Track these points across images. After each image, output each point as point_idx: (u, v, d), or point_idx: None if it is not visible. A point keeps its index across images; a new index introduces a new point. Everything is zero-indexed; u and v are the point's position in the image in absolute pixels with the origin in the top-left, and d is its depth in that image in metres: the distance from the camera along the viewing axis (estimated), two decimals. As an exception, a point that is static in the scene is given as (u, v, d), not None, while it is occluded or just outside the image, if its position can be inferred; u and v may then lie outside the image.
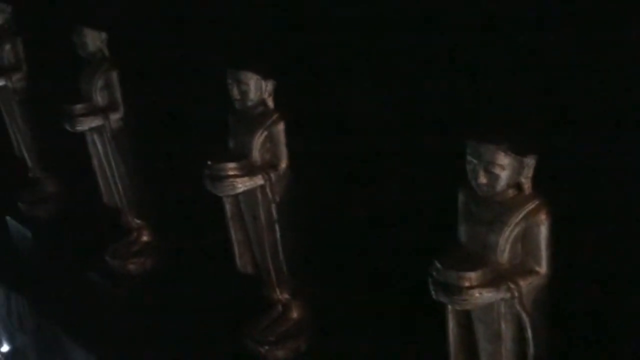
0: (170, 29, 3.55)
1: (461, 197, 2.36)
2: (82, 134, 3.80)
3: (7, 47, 4.37)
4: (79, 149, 3.92)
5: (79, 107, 3.70)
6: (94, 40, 3.70)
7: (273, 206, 3.06)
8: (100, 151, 3.84)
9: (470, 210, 2.32)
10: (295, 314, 3.29)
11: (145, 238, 4.00)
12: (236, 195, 3.05)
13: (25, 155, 4.63)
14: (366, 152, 2.98)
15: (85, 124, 3.70)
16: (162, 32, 3.60)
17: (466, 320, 2.40)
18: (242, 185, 2.96)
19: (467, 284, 2.21)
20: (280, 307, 3.28)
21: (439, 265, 2.25)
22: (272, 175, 3.01)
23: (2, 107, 4.54)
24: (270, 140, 3.01)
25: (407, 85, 2.75)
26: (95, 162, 3.91)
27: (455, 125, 2.53)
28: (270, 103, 3.00)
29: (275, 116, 3.00)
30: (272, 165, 3.03)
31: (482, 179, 2.23)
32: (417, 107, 2.74)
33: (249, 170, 2.98)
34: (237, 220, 3.16)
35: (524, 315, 2.30)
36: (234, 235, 3.20)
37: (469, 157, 2.24)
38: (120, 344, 3.73)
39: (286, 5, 3.04)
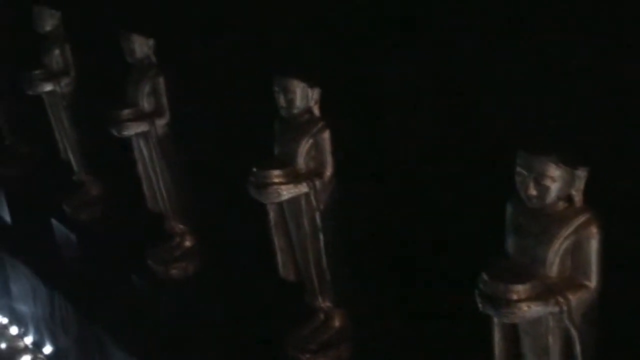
0: (217, 35, 3.57)
1: (509, 209, 2.32)
2: (127, 139, 3.83)
3: (56, 52, 4.42)
4: (124, 153, 3.95)
5: (125, 113, 3.73)
6: (141, 46, 3.73)
7: (317, 214, 3.04)
8: (145, 156, 3.86)
9: (518, 222, 2.29)
10: (337, 323, 3.27)
11: (187, 243, 4.01)
12: (280, 203, 3.05)
13: (71, 158, 4.67)
14: (412, 162, 2.96)
15: (132, 129, 3.73)
16: (209, 39, 3.62)
17: (512, 333, 2.36)
18: (287, 192, 2.96)
19: (515, 296, 2.17)
20: (322, 316, 3.27)
21: (486, 277, 2.21)
22: (317, 183, 3.00)
23: (50, 111, 4.58)
24: (315, 148, 3.00)
25: (458, 95, 2.72)
26: (140, 167, 3.93)
27: (505, 136, 2.50)
28: (316, 111, 3.00)
29: (321, 124, 2.99)
30: (317, 173, 3.01)
31: (532, 191, 2.20)
32: (468, 116, 2.71)
33: (294, 178, 2.98)
34: (280, 228, 3.15)
35: (572, 330, 2.25)
36: (277, 242, 3.19)
37: (518, 169, 2.21)
38: (161, 348, 3.75)
39: (334, 14, 3.04)
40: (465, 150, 2.74)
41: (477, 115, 2.66)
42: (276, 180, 2.95)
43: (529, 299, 2.18)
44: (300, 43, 3.15)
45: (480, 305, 2.22)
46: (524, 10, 2.47)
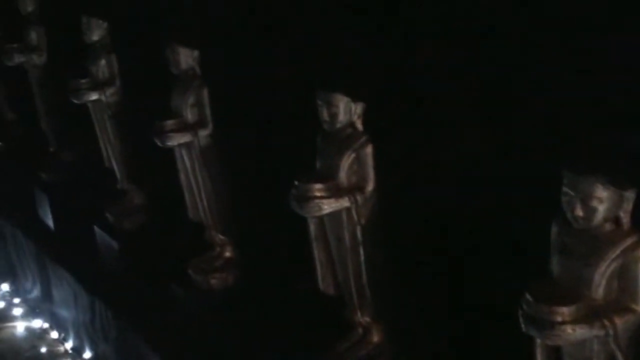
0: (261, 48, 3.57)
1: (554, 229, 2.28)
2: (170, 149, 3.86)
3: (102, 62, 4.48)
4: (167, 163, 3.97)
5: (169, 123, 3.76)
6: (186, 57, 3.76)
7: (358, 228, 3.03)
8: (187, 166, 3.88)
9: (564, 242, 2.24)
10: (375, 338, 3.24)
11: (228, 254, 4.02)
12: (321, 216, 3.04)
13: (115, 167, 4.72)
14: (456, 177, 2.93)
15: (175, 140, 3.75)
16: (253, 52, 3.63)
17: (556, 355, 2.32)
18: (328, 206, 2.95)
19: (559, 318, 2.13)
20: (360, 330, 3.24)
21: (530, 298, 2.17)
22: (358, 197, 2.99)
23: (95, 119, 4.64)
24: (357, 163, 2.99)
25: (504, 112, 2.69)
26: (182, 177, 3.95)
27: (552, 156, 2.46)
28: (359, 125, 2.99)
29: (363, 139, 2.99)
30: (359, 187, 3.00)
31: (579, 212, 2.15)
32: (514, 133, 2.68)
33: (336, 192, 2.97)
34: (321, 241, 3.15)
35: (619, 354, 2.20)
36: (318, 255, 3.18)
37: (565, 189, 2.17)
38: (199, 357, 3.76)
39: (378, 28, 3.03)
40: (511, 166, 2.70)
41: (524, 133, 2.63)
42: (318, 194, 2.95)
43: (574, 321, 2.13)
44: (344, 57, 3.14)
45: (523, 327, 2.18)
46: (572, 28, 2.43)
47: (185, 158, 3.87)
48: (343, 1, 3.17)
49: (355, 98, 2.93)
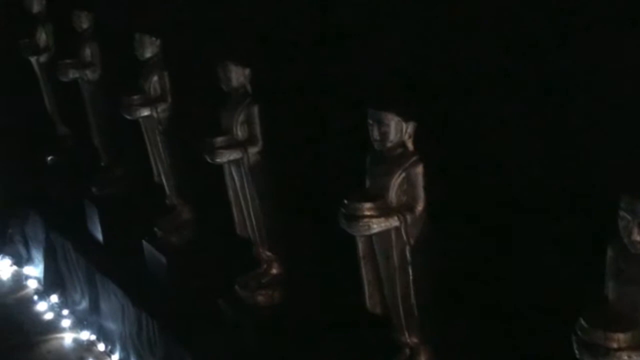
0: (312, 66, 3.58)
1: (610, 253, 2.24)
2: (220, 166, 3.88)
3: (154, 78, 4.53)
4: (216, 179, 4.00)
5: (219, 140, 3.79)
6: (237, 75, 3.78)
7: (407, 248, 3.01)
8: (236, 183, 3.90)
9: (619, 267, 2.21)
10: (422, 359, 3.21)
11: (274, 271, 4.02)
12: (370, 236, 3.03)
13: (164, 182, 4.76)
14: (507, 199, 2.90)
15: (225, 157, 3.77)
16: (304, 70, 3.64)
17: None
18: (377, 226, 2.93)
19: (615, 345, 2.09)
20: (408, 351, 3.21)
21: (584, 323, 2.13)
22: (408, 217, 2.97)
23: (146, 135, 4.68)
24: (407, 182, 2.98)
25: (560, 132, 2.66)
26: (230, 193, 3.97)
27: (606, 179, 2.42)
28: (410, 145, 2.98)
29: (414, 158, 2.97)
30: (409, 207, 2.99)
31: (637, 237, 2.11)
32: (568, 156, 2.64)
33: (385, 211, 2.95)
34: (369, 260, 3.13)
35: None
36: (365, 274, 3.16)
37: (622, 213, 2.13)
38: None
39: (432, 48, 3.02)
40: (565, 188, 2.66)
41: (579, 156, 2.59)
42: (367, 213, 2.93)
43: (630, 348, 2.10)
44: (396, 76, 3.13)
45: (577, 353, 2.14)
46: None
47: (234, 175, 3.89)
48: (396, 19, 3.17)
49: (406, 117, 2.91)
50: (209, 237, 4.57)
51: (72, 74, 5.38)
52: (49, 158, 6.39)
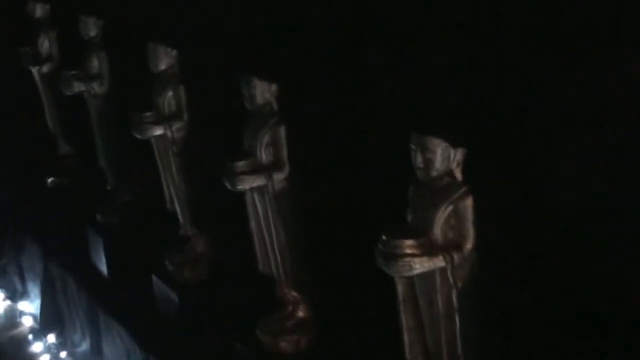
0: (348, 83, 3.59)
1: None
2: (241, 193, 3.89)
3: (169, 94, 4.56)
4: (236, 208, 4.01)
5: (241, 164, 3.80)
6: (263, 92, 3.80)
7: (453, 292, 2.99)
8: (260, 213, 3.91)
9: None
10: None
11: (301, 314, 4.01)
12: (411, 277, 3.01)
13: (178, 210, 4.78)
14: (568, 239, 2.88)
15: (247, 183, 3.78)
16: (338, 87, 3.66)
17: None
18: (420, 266, 2.92)
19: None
20: (453, 409, 3.18)
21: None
22: (455, 256, 2.95)
23: (158, 157, 4.71)
24: (455, 217, 2.96)
25: (628, 163, 2.65)
26: (253, 224, 3.98)
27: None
28: (458, 174, 2.97)
29: (462, 190, 2.96)
30: (456, 245, 2.97)
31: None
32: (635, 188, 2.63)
33: (429, 250, 2.94)
34: (409, 305, 3.11)
35: None
36: (405, 321, 3.14)
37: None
38: None
39: (481, 68, 3.01)
40: (632, 219, 2.64)
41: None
42: (408, 251, 2.92)
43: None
44: (443, 97, 3.13)
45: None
46: None
47: (258, 203, 3.90)
48: (444, 35, 3.17)
49: (454, 143, 2.91)
50: (227, 273, 4.58)
51: (77, 87, 5.45)
52: (49, 180, 6.47)
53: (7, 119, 7.10)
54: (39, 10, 6.21)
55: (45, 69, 6.20)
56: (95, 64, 5.44)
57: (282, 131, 3.79)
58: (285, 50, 3.94)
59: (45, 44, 6.17)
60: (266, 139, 3.80)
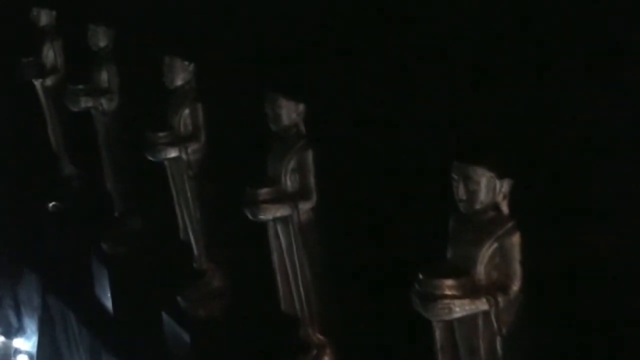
0: (383, 104, 3.62)
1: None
2: (263, 223, 3.92)
3: (185, 112, 4.61)
4: (258, 240, 4.03)
5: (264, 192, 3.83)
6: (289, 112, 3.83)
7: (497, 339, 2.99)
8: (283, 246, 3.94)
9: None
10: None
11: (327, 358, 4.02)
12: (450, 321, 3.02)
13: (192, 240, 4.81)
14: (627, 274, 2.89)
15: (270, 213, 3.82)
16: (371, 108, 3.68)
17: None
18: (461, 309, 2.93)
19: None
20: None
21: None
22: (500, 299, 2.95)
23: (172, 181, 4.75)
24: (500, 255, 2.97)
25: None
26: (275, 258, 4.01)
27: None
28: (505, 208, 2.98)
29: (509, 225, 2.97)
30: (500, 286, 2.97)
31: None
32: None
33: (471, 291, 2.94)
34: (448, 352, 3.11)
35: None
36: (444, 369, 3.16)
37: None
38: None
39: (529, 93, 3.04)
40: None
41: None
42: (448, 292, 2.93)
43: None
44: (487, 124, 3.16)
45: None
46: None
47: (281, 235, 3.93)
48: (485, 62, 3.20)
49: (500, 173, 2.93)
50: (246, 312, 4.59)
51: (85, 103, 5.51)
52: (51, 204, 6.51)
53: (6, 135, 7.17)
54: (44, 17, 6.29)
55: (49, 81, 6.27)
56: (104, 77, 5.50)
57: (310, 156, 3.83)
58: (315, 67, 3.97)
59: (50, 55, 6.24)
60: (292, 164, 3.84)
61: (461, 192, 2.98)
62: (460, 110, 3.25)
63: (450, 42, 3.32)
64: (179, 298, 4.83)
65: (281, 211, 3.82)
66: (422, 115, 3.43)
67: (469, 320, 2.99)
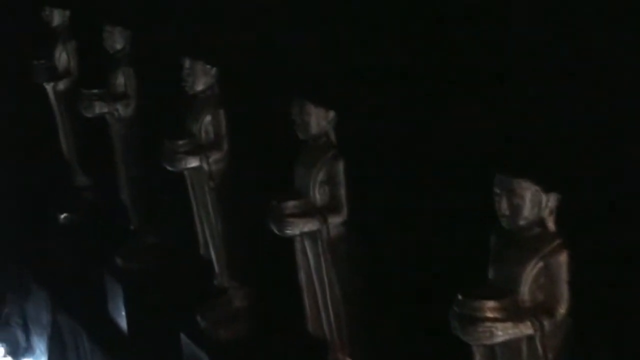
0: (417, 111, 3.60)
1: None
2: (289, 239, 3.92)
3: (207, 119, 4.63)
4: (283, 257, 4.03)
5: (291, 205, 3.84)
6: (318, 120, 3.84)
7: (543, 366, 3.00)
8: (311, 263, 3.94)
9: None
10: None
11: (357, 386, 4.03)
12: (492, 345, 3.01)
13: (213, 257, 4.82)
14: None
15: (297, 227, 3.82)
16: (406, 116, 3.67)
17: None
18: (503, 333, 2.92)
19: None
20: None
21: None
22: (546, 323, 2.95)
23: (192, 192, 4.77)
24: (546, 275, 2.96)
25: None
26: (302, 276, 4.01)
27: None
28: (551, 224, 2.97)
29: (555, 243, 2.96)
30: (546, 309, 2.96)
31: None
32: None
33: (514, 314, 2.93)
34: (490, 378, 3.12)
35: None
36: (484, 398, 3.14)
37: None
38: None
39: (575, 104, 3.03)
40: None
41: None
42: (490, 314, 2.92)
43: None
44: (532, 134, 3.15)
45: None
46: None
47: (309, 252, 3.94)
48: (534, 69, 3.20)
49: (547, 187, 2.92)
50: (270, 334, 4.59)
51: (99, 108, 5.54)
52: (62, 216, 6.55)
53: (15, 142, 7.21)
54: (57, 17, 6.33)
55: (61, 85, 6.32)
56: (120, 81, 5.53)
57: (340, 167, 3.84)
58: (345, 72, 3.97)
59: (62, 57, 6.29)
60: (321, 175, 3.85)
61: (504, 207, 2.97)
62: (504, 120, 3.23)
63: (495, 53, 3.31)
64: (198, 318, 4.85)
65: (309, 226, 3.82)
66: (463, 124, 3.42)
67: (512, 345, 2.98)
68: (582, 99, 3.02)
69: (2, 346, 6.79)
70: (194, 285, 5.02)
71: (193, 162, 4.60)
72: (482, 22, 3.30)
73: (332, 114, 3.85)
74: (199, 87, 4.65)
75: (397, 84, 3.72)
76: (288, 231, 3.83)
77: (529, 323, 2.93)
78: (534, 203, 2.95)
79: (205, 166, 4.61)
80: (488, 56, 3.29)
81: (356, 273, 3.89)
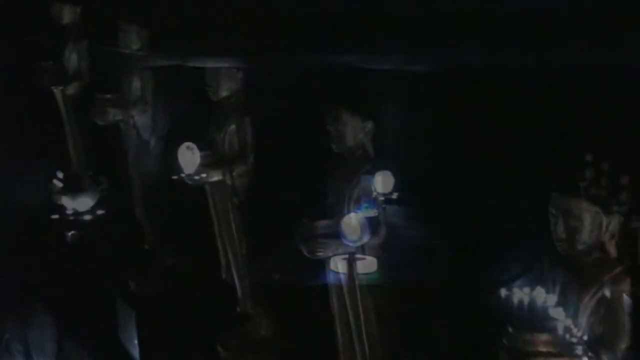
0: (466, 126, 3.62)
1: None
2: (320, 261, 3.93)
3: (231, 127, 4.63)
4: (313, 282, 4.03)
5: (323, 225, 3.84)
6: (355, 131, 3.86)
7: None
8: (344, 290, 3.93)
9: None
10: None
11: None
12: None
13: (236, 280, 4.84)
14: None
15: (330, 250, 3.82)
16: (454, 131, 3.69)
17: None
18: (558, 365, 2.94)
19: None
20: None
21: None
22: (605, 358, 2.94)
23: (214, 210, 4.79)
24: (605, 305, 2.97)
25: None
26: (334, 303, 4.01)
27: None
28: (612, 249, 2.98)
29: (617, 270, 2.97)
30: (606, 343, 2.97)
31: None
32: None
33: (569, 348, 2.93)
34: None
35: None
36: None
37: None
38: None
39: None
40: None
41: None
42: (542, 349, 2.92)
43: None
44: (593, 153, 3.16)
45: None
46: None
47: (342, 275, 3.93)
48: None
49: (607, 210, 2.93)
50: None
51: (113, 115, 5.54)
52: (70, 233, 6.52)
53: (19, 151, 7.20)
54: (67, 14, 6.29)
55: (71, 89, 6.28)
56: (136, 85, 5.51)
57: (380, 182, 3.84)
58: (385, 82, 3.98)
59: (72, 58, 6.27)
60: (356, 192, 3.86)
61: (560, 230, 2.99)
62: (561, 138, 3.25)
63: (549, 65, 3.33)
64: (219, 347, 4.86)
65: (343, 248, 3.82)
66: (516, 142, 3.44)
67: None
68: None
69: (1, 375, 6.79)
70: (214, 312, 5.00)
71: (215, 176, 4.61)
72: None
73: (369, 124, 3.86)
74: (224, 93, 4.66)
75: (442, 102, 3.75)
76: (320, 253, 3.84)
77: (586, 359, 2.94)
78: (594, 226, 2.96)
79: (228, 180, 4.62)
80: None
81: (389, 297, 3.89)
